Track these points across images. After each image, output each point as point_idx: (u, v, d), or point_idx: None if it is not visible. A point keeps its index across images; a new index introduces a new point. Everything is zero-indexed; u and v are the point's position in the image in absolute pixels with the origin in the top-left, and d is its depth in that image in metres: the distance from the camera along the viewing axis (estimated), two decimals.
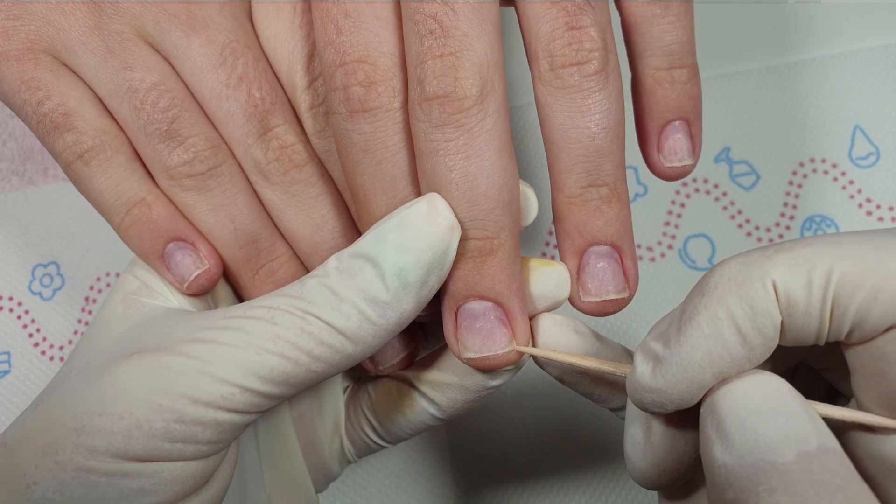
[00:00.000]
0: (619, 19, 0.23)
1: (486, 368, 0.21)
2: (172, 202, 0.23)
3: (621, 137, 0.21)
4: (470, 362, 0.21)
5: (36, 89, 0.22)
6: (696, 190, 0.35)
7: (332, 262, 0.20)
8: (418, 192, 0.21)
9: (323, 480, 0.27)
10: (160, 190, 0.23)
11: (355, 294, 0.20)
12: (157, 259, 0.23)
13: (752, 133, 0.35)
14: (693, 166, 0.23)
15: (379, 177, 0.21)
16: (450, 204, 0.20)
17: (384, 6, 0.20)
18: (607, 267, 0.21)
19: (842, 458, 0.16)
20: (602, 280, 0.21)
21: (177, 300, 0.23)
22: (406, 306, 0.20)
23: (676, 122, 0.23)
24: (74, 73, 0.23)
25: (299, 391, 0.21)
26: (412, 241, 0.19)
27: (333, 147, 0.23)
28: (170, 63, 0.23)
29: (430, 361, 0.24)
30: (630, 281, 0.22)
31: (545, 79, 0.20)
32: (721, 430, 0.17)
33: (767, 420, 0.16)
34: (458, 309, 0.21)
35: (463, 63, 0.19)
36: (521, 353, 0.21)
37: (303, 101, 0.23)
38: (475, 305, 0.21)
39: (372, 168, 0.20)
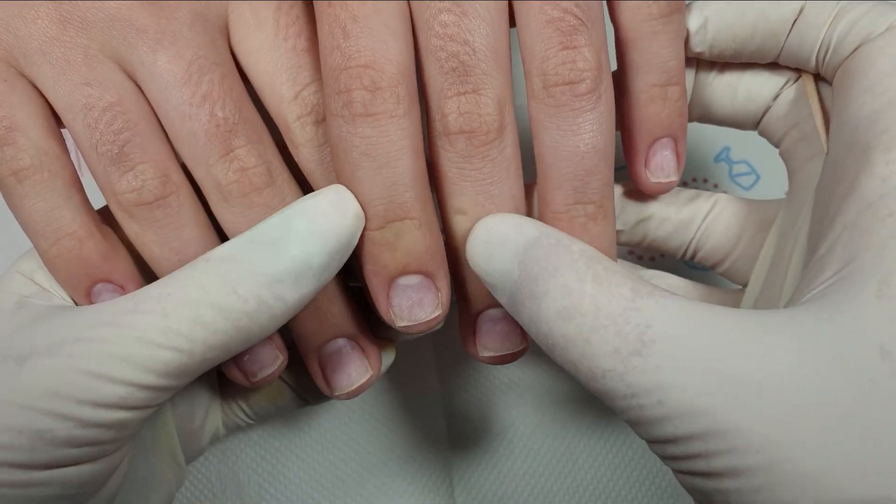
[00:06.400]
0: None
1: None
2: (121, 225, 0.23)
3: (610, 156, 0.21)
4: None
5: None
6: None
7: (229, 244, 0.20)
8: (417, 198, 0.21)
9: (192, 457, 0.28)
10: (95, 225, 0.23)
11: (253, 278, 0.20)
12: (84, 296, 0.23)
13: (752, 133, 0.35)
14: (677, 182, 0.24)
15: (378, 181, 0.21)
16: (474, 221, 0.21)
17: (393, 15, 0.20)
18: None
19: (544, 237, 0.20)
20: None
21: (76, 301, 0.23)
22: (306, 290, 0.20)
23: (665, 140, 0.24)
24: (32, 83, 0.22)
25: (197, 377, 0.21)
26: (320, 227, 0.20)
27: (321, 156, 0.23)
28: (135, 79, 0.22)
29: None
30: None
31: (538, 97, 0.21)
32: (484, 281, 0.21)
33: (494, 257, 0.20)
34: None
35: (485, 100, 0.21)
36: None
37: (290, 111, 0.22)
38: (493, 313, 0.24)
39: (372, 172, 0.20)
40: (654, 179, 0.24)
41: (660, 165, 0.24)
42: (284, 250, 0.20)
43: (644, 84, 0.23)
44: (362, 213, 0.21)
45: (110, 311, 0.20)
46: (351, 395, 0.25)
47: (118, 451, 0.21)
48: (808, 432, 0.16)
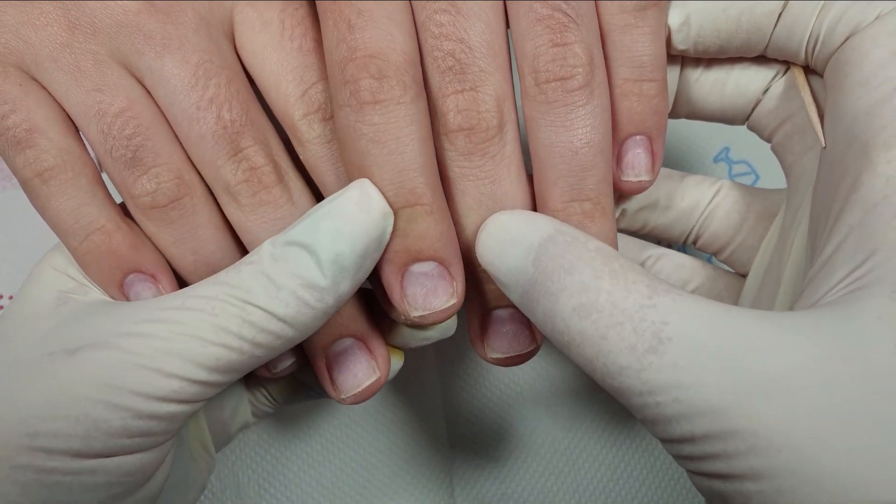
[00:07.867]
0: None
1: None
2: (140, 226, 0.23)
3: (607, 153, 0.21)
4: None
5: (2, 102, 0.22)
6: None
7: (266, 247, 0.21)
8: (427, 184, 0.21)
9: (221, 445, 0.28)
10: (120, 218, 0.23)
11: (293, 281, 0.20)
12: (117, 288, 0.23)
13: (752, 133, 0.35)
14: (650, 183, 0.23)
15: (388, 167, 0.20)
16: (479, 221, 0.21)
17: (396, 8, 0.21)
18: None
19: (560, 235, 0.19)
20: None
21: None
22: (343, 289, 0.21)
23: (638, 137, 0.23)
24: (44, 88, 0.23)
25: (245, 374, 0.21)
26: (347, 228, 0.20)
27: (328, 152, 0.23)
28: (143, 84, 0.23)
29: None
30: None
31: (531, 94, 0.21)
32: (496, 278, 0.21)
33: (506, 255, 0.20)
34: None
35: (483, 97, 0.21)
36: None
37: (296, 110, 0.23)
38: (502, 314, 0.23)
39: (381, 159, 0.20)
40: (624, 178, 0.23)
41: (631, 164, 0.23)
42: (316, 254, 0.20)
43: (616, 78, 0.22)
44: (389, 209, 0.21)
45: (158, 307, 0.21)
46: (357, 399, 0.24)
47: (167, 443, 0.21)
48: (833, 433, 0.15)
